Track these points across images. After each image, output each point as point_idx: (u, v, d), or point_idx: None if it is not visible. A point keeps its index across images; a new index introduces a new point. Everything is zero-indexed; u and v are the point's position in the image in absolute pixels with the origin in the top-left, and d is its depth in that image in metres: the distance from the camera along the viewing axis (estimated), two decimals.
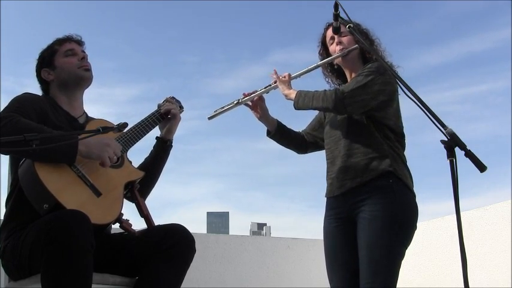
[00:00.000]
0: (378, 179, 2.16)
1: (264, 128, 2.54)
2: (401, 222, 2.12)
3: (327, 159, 2.37)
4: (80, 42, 2.27)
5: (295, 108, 2.33)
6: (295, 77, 2.42)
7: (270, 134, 2.53)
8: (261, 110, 2.49)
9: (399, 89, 2.33)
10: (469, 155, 1.60)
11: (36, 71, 2.24)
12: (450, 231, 3.94)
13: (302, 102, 2.30)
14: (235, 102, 2.44)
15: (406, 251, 2.15)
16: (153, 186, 2.31)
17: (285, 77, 2.39)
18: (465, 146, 1.60)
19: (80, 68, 2.20)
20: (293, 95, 2.32)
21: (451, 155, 1.61)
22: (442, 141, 1.63)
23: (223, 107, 2.46)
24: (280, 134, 2.52)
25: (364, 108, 2.22)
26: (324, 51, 2.46)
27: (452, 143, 1.61)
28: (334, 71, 2.47)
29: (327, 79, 2.50)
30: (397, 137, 2.26)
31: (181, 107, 2.42)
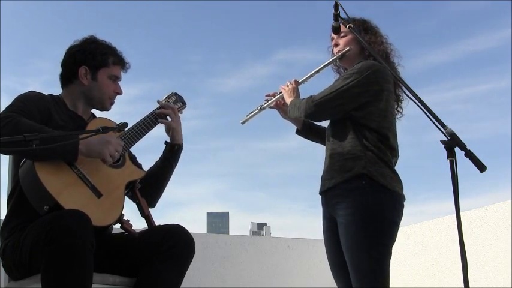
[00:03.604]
0: (351, 181, 2.15)
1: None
2: (376, 223, 2.10)
3: None
4: (125, 71, 2.25)
5: (291, 117, 2.43)
6: (302, 82, 2.46)
7: (297, 131, 2.58)
8: (283, 110, 2.54)
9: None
10: (469, 155, 1.59)
11: (73, 60, 2.14)
12: (450, 231, 3.93)
13: (291, 112, 2.37)
14: (258, 108, 2.51)
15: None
16: (163, 190, 2.29)
17: (292, 83, 2.43)
18: (465, 146, 1.60)
19: (109, 99, 2.20)
20: None
21: (451, 155, 1.61)
22: (442, 141, 1.63)
23: (252, 112, 2.53)
24: (307, 131, 2.56)
25: (341, 113, 2.22)
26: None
27: (452, 143, 1.61)
28: (345, 68, 2.47)
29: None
30: (381, 138, 2.19)
31: (184, 103, 2.39)
